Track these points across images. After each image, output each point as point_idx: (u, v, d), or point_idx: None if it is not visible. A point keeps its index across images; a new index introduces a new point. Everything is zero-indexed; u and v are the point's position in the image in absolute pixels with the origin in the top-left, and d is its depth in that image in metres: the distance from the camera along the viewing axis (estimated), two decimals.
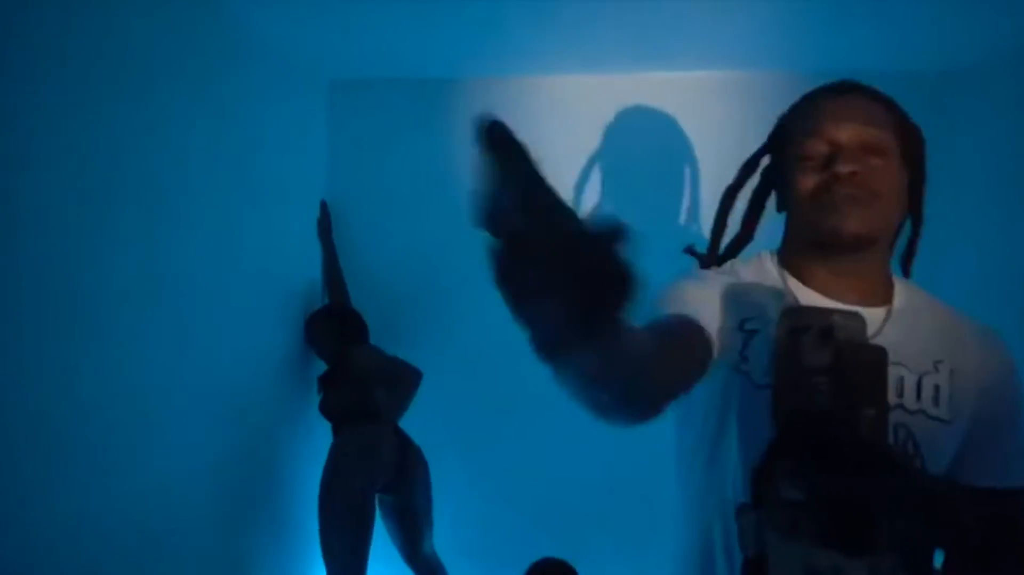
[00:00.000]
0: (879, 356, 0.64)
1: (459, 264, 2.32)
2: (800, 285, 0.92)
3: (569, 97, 2.26)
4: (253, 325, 1.94)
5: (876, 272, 0.91)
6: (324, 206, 2.29)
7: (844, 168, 0.83)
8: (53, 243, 1.20)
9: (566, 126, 2.25)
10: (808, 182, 0.87)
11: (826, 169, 0.85)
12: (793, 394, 0.69)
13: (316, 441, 2.24)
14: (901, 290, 0.92)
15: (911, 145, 0.91)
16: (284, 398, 2.16)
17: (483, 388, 2.29)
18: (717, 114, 2.20)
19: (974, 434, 0.85)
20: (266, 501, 2.08)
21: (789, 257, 0.95)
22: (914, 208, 0.96)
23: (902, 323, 0.87)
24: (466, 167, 2.26)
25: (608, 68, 2.18)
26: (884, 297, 0.90)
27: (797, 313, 0.72)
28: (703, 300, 0.87)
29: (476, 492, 2.29)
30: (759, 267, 0.96)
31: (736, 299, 0.90)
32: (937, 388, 0.83)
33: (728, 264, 1.01)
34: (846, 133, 0.86)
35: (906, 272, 1.02)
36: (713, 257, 1.03)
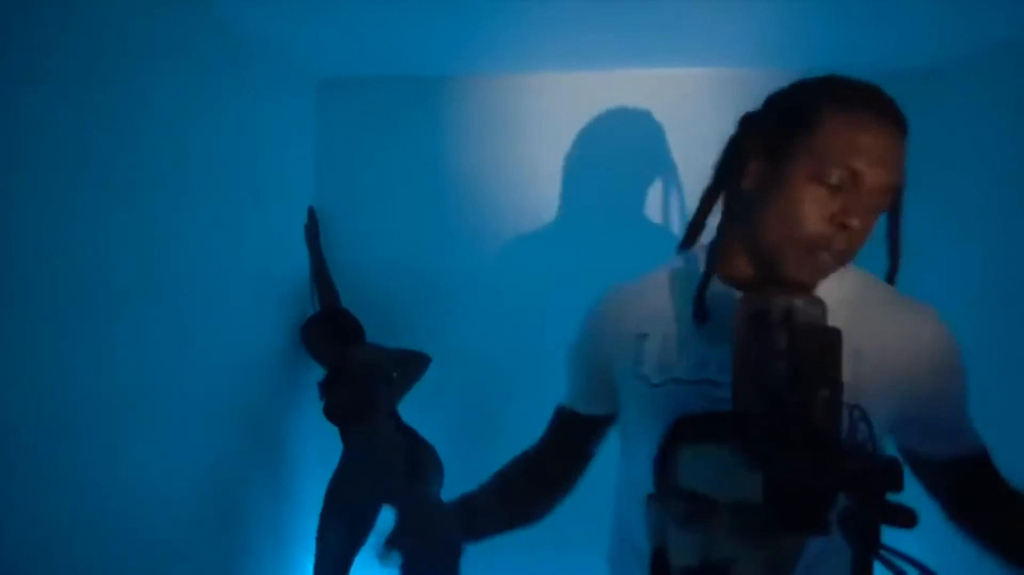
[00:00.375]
0: (833, 338, 0.65)
1: (451, 263, 2.33)
2: (725, 289, 0.89)
3: (562, 94, 2.26)
4: (245, 324, 1.95)
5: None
6: (311, 212, 2.30)
7: (854, 222, 0.76)
8: (45, 242, 1.22)
9: (559, 123, 2.26)
10: (815, 218, 0.77)
11: (835, 213, 0.77)
12: (751, 377, 0.70)
13: (311, 442, 2.26)
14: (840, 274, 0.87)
15: (902, 188, 0.86)
16: (277, 400, 2.17)
17: (477, 388, 2.30)
18: (711, 111, 2.21)
19: (906, 411, 0.85)
20: (262, 502, 2.09)
21: (723, 249, 0.90)
22: (893, 241, 0.92)
23: None
24: (457, 165, 2.29)
25: (601, 65, 2.19)
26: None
27: (757, 298, 0.73)
28: (600, 341, 0.98)
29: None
30: (679, 270, 0.96)
31: (632, 310, 0.95)
32: None
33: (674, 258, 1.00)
34: (874, 180, 0.76)
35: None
36: (700, 220, 0.98)
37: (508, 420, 2.31)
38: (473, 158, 2.30)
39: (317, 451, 2.25)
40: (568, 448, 1.09)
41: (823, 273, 0.81)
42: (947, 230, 2.11)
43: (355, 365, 2.02)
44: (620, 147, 2.24)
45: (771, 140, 0.84)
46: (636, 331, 0.92)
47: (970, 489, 0.87)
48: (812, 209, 0.77)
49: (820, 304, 0.71)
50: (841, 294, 0.84)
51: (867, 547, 0.56)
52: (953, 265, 2.05)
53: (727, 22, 1.81)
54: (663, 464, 0.83)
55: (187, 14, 1.61)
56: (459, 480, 2.22)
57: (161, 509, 1.55)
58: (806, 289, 0.79)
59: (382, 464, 1.93)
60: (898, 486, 0.56)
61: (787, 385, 0.65)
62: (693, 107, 2.21)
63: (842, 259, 0.80)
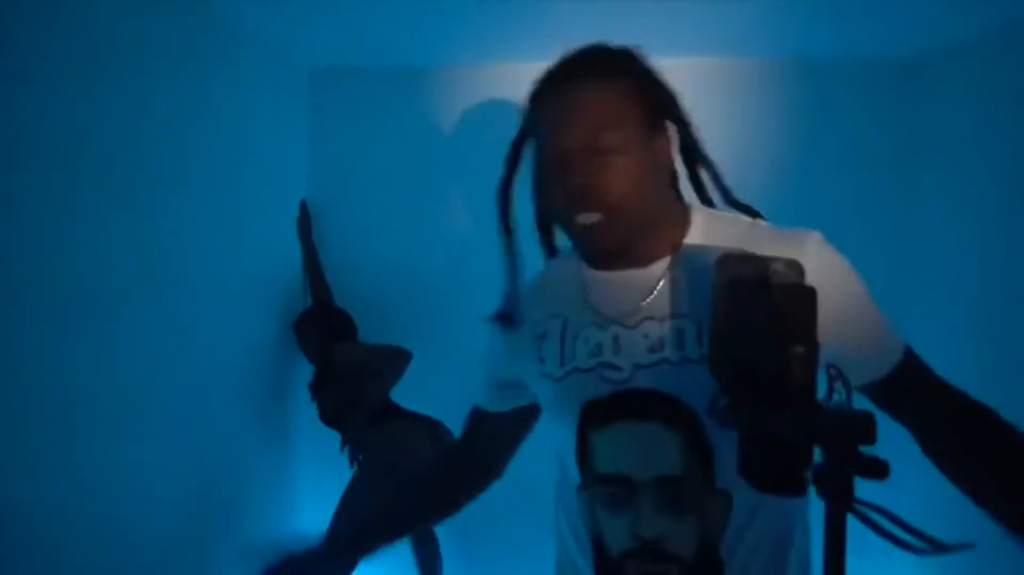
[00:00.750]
0: (808, 296, 0.65)
1: (442, 254, 2.31)
2: (595, 273, 0.90)
3: None
4: (239, 318, 1.94)
5: (662, 230, 0.86)
6: (304, 206, 2.29)
7: (572, 183, 0.79)
8: (44, 238, 1.21)
9: None
10: (552, 198, 0.83)
11: (560, 184, 0.80)
12: (728, 340, 0.70)
13: (308, 435, 2.24)
14: (693, 230, 0.87)
15: (659, 110, 0.86)
16: (272, 394, 2.16)
17: (469, 381, 2.29)
18: (697, 101, 2.20)
19: (825, 343, 0.75)
20: (261, 495, 2.08)
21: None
22: (696, 159, 0.91)
23: (686, 269, 0.83)
24: (448, 155, 2.28)
25: None
26: (677, 242, 0.86)
27: (735, 262, 0.73)
28: (503, 344, 0.99)
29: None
30: (563, 263, 0.97)
31: (528, 313, 0.95)
32: None
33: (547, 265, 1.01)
34: (570, 138, 0.79)
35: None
36: (508, 254, 1.00)
37: None
38: (465, 148, 2.30)
39: (315, 444, 2.24)
40: (472, 439, 1.13)
41: (612, 230, 0.80)
42: (931, 216, 2.11)
43: (341, 364, 2.00)
44: None
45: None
46: (534, 333, 0.93)
47: (915, 396, 0.82)
48: (547, 186, 0.84)
49: (797, 267, 0.70)
50: (715, 240, 0.84)
51: (841, 501, 0.55)
52: (953, 252, 2.04)
53: (715, 14, 1.81)
54: (581, 453, 0.84)
55: (182, 7, 1.61)
56: None
57: (160, 504, 1.55)
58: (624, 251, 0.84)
59: (402, 457, 1.91)
60: (870, 438, 0.55)
61: (763, 343, 0.64)
62: (683, 97, 2.21)
63: (614, 208, 0.79)
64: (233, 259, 1.90)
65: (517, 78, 2.25)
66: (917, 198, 2.18)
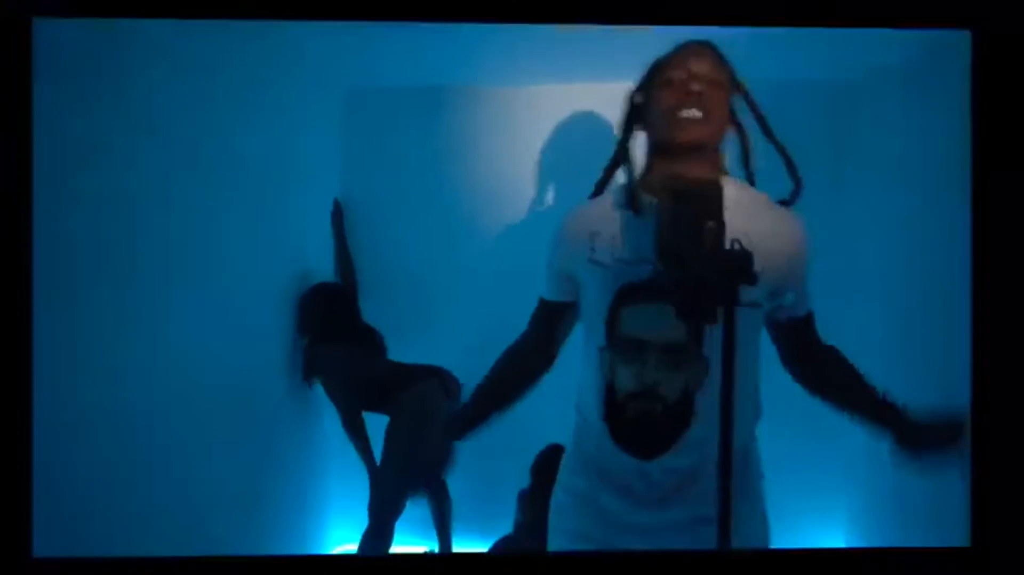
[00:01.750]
0: (716, 189, 0.99)
1: (464, 262, 2.66)
2: (647, 197, 1.21)
3: (566, 103, 2.59)
4: (253, 320, 2.10)
5: (709, 171, 1.23)
6: (337, 203, 2.65)
7: (695, 87, 1.17)
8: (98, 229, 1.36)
9: (562, 129, 2.59)
10: (668, 99, 1.19)
11: (682, 90, 1.18)
12: (668, 231, 1.03)
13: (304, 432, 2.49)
14: (725, 185, 1.21)
15: (736, 84, 1.26)
16: (282, 386, 2.33)
17: (485, 355, 2.57)
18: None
19: (774, 279, 1.19)
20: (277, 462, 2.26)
21: (647, 172, 1.27)
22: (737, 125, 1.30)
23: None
24: (471, 170, 2.64)
25: (596, 78, 2.47)
26: None
27: (671, 180, 1.08)
28: (563, 243, 1.31)
29: (473, 478, 2.43)
30: (614, 196, 1.30)
31: (585, 218, 1.29)
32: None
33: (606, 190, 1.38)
34: (697, 65, 1.19)
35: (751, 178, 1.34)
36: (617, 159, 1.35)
37: (515, 412, 2.55)
38: (480, 159, 2.66)
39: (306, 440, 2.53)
40: (540, 327, 1.43)
41: (705, 128, 1.18)
42: (866, 229, 2.42)
43: (315, 371, 2.31)
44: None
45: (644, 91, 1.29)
46: (589, 230, 1.27)
47: (804, 339, 1.32)
48: (665, 93, 1.21)
49: (711, 179, 1.05)
50: (743, 203, 1.21)
51: (730, 303, 0.88)
52: (873, 257, 2.36)
53: (652, 40, 2.10)
54: (611, 321, 1.16)
55: (238, 33, 1.84)
56: (461, 465, 2.34)
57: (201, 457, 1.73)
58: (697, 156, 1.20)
59: (425, 422, 2.18)
60: (749, 260, 0.89)
61: (688, 226, 0.98)
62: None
63: (700, 112, 1.17)
64: (273, 251, 2.17)
65: (526, 98, 2.65)
66: (842, 208, 2.48)
